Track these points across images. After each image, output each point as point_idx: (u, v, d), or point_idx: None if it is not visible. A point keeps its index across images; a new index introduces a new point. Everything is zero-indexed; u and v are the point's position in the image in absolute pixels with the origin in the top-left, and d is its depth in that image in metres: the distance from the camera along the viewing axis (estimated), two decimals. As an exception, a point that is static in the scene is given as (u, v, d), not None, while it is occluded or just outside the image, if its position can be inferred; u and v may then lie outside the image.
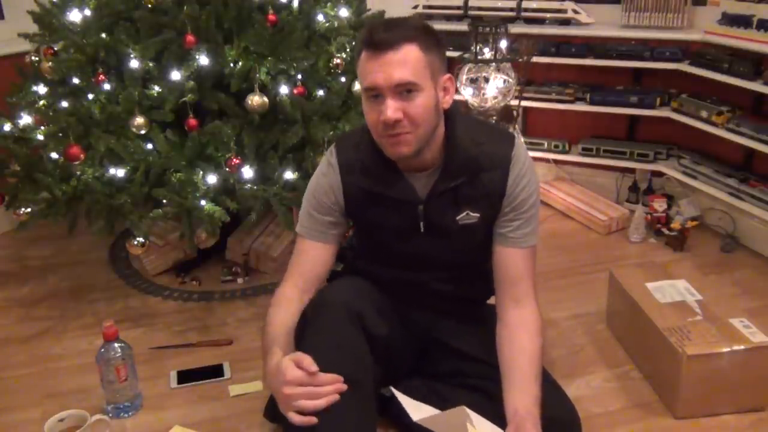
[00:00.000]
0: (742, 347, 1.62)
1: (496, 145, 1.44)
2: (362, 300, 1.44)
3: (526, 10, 2.97)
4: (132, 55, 2.03)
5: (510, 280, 1.47)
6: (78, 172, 1.98)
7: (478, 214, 1.46)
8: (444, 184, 1.43)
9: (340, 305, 1.40)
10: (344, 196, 1.48)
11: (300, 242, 1.53)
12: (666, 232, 2.62)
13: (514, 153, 1.43)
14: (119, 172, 1.99)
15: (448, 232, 1.47)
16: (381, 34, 1.28)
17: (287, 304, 1.46)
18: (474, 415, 1.18)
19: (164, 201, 1.96)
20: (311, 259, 1.51)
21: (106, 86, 2.04)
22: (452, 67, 2.82)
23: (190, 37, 2.00)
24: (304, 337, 1.44)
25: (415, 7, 3.14)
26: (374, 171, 1.44)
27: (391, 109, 1.29)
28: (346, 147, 1.49)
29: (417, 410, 1.23)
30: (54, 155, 2.05)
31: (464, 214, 1.46)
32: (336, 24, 2.23)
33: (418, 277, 1.55)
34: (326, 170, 1.49)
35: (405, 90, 1.29)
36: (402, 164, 1.43)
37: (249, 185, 2.02)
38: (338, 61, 2.18)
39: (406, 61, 1.28)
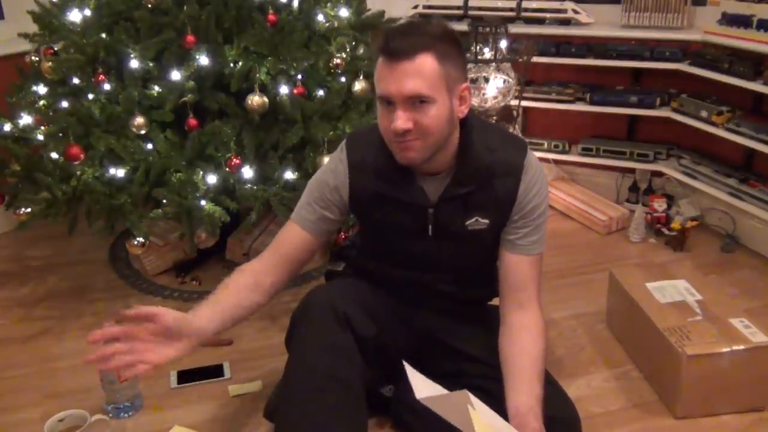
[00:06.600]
0: (742, 347, 1.62)
1: (509, 152, 1.43)
2: (348, 301, 1.43)
3: (526, 10, 2.97)
4: (132, 55, 2.03)
5: (515, 286, 1.46)
6: (78, 172, 1.98)
7: (487, 221, 1.45)
8: (455, 189, 1.42)
9: (327, 307, 1.40)
10: (350, 196, 1.47)
11: (288, 225, 1.53)
12: (666, 232, 2.62)
13: (526, 161, 1.43)
14: (119, 172, 1.99)
15: (456, 237, 1.47)
16: (397, 42, 1.25)
17: (247, 273, 1.46)
18: (476, 400, 1.19)
19: (164, 201, 1.97)
20: (293, 243, 1.50)
21: (106, 86, 2.04)
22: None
23: (190, 37, 2.00)
24: (292, 338, 1.47)
25: (415, 7, 3.14)
26: (385, 173, 1.43)
27: (401, 120, 1.27)
28: (358, 146, 1.47)
29: (422, 388, 1.23)
30: (54, 155, 2.05)
31: (474, 219, 1.45)
32: (336, 24, 2.23)
33: (423, 277, 1.55)
34: (335, 167, 1.48)
35: (417, 101, 1.27)
36: (414, 167, 1.42)
37: (249, 185, 2.02)
38: (338, 61, 2.17)
39: (421, 72, 1.25)
